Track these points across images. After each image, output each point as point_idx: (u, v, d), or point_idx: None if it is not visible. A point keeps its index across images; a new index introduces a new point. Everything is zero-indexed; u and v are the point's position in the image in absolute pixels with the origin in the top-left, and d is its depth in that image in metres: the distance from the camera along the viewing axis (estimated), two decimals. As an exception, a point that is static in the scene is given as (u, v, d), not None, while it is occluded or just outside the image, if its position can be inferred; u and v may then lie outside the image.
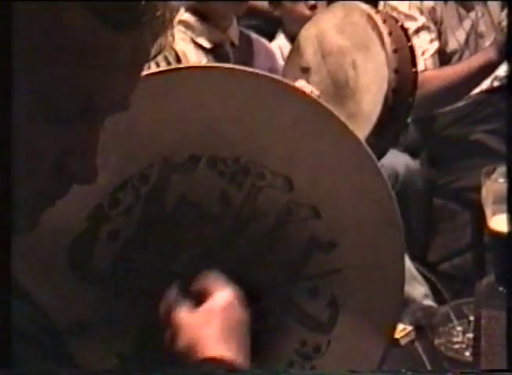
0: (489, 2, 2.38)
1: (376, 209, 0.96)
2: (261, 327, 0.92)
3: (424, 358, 1.77)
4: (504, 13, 2.14)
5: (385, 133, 1.86)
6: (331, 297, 0.98)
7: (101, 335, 0.94)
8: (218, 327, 0.85)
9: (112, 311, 0.94)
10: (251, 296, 0.88)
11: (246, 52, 2.15)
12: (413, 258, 2.14)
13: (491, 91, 2.36)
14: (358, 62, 1.88)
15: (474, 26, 2.35)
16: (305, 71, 1.98)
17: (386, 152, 1.99)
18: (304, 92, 0.92)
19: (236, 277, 0.88)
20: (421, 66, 2.21)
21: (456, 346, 1.69)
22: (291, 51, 2.09)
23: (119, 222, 0.92)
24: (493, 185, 1.14)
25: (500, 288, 1.15)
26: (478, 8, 2.37)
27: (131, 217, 0.92)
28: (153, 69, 0.88)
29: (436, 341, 1.74)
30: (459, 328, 1.73)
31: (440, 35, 2.31)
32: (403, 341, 1.83)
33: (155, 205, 0.93)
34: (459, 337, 1.71)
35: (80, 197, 0.71)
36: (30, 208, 0.67)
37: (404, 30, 1.89)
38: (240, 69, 0.92)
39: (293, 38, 2.15)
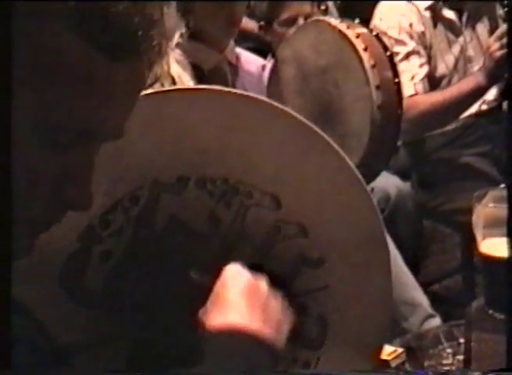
0: (478, 28, 2.41)
1: (362, 226, 0.97)
2: None
3: (415, 380, 1.77)
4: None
5: (380, 152, 1.86)
6: (319, 314, 0.98)
7: (95, 355, 0.95)
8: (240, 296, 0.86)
9: (105, 331, 0.94)
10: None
11: (235, 71, 2.16)
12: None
13: (480, 114, 2.38)
14: (339, 80, 1.87)
15: (462, 51, 2.38)
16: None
17: (380, 173, 2.00)
18: (289, 113, 0.93)
19: None
20: (411, 90, 2.24)
21: (447, 368, 1.69)
22: (271, 74, 2.08)
23: (110, 243, 0.93)
24: (484, 209, 1.15)
25: (490, 311, 1.15)
26: (467, 32, 2.39)
27: (122, 238, 0.93)
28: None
29: (426, 363, 1.73)
30: (449, 350, 1.73)
31: (430, 59, 2.33)
32: (393, 363, 1.83)
33: (146, 225, 0.94)
34: (449, 360, 1.71)
35: (71, 218, 0.72)
36: (26, 234, 0.68)
37: (380, 40, 1.88)
38: (226, 91, 0.93)
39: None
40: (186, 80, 1.97)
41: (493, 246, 1.13)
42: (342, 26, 1.88)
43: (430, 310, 2.18)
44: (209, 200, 0.94)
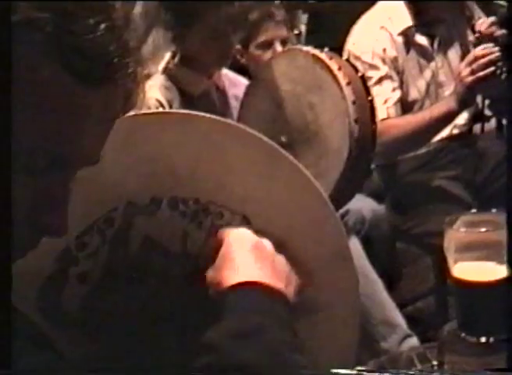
0: (449, 54, 2.45)
1: (329, 244, 0.99)
2: None
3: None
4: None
5: (359, 166, 1.89)
6: None
7: None
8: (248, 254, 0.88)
9: (83, 353, 0.95)
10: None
11: (223, 96, 2.17)
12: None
13: (451, 138, 2.41)
14: (315, 102, 1.90)
15: (434, 76, 2.40)
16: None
17: (354, 195, 2.02)
18: (257, 137, 0.96)
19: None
20: (383, 115, 2.26)
21: (420, 390, 1.70)
22: (243, 100, 2.10)
23: (86, 264, 0.94)
24: (455, 234, 1.14)
25: (463, 334, 1.16)
26: (438, 58, 2.42)
27: (98, 259, 0.94)
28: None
29: (400, 385, 1.74)
30: (423, 373, 1.74)
31: (402, 84, 2.36)
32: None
33: (120, 246, 0.95)
34: (423, 382, 1.72)
35: (49, 240, 0.73)
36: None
37: (351, 64, 1.94)
38: (196, 115, 0.95)
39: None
40: (175, 107, 1.95)
41: (465, 270, 1.13)
42: (314, 50, 1.92)
43: (408, 330, 2.20)
44: (182, 220, 0.96)
